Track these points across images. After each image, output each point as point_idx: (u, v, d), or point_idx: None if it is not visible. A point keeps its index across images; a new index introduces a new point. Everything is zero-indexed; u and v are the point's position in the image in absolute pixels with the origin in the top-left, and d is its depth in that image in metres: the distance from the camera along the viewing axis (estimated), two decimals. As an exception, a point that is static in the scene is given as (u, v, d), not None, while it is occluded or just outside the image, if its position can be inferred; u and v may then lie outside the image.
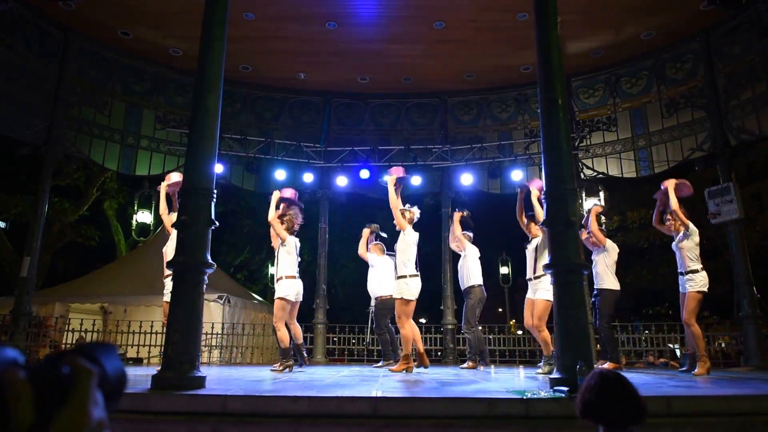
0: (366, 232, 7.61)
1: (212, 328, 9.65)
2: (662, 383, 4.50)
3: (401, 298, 6.02)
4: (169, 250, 6.28)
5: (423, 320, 19.17)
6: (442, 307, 10.23)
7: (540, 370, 6.10)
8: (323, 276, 10.45)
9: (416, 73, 10.38)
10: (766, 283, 11.24)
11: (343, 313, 17.49)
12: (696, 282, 5.89)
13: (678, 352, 10.41)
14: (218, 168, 9.10)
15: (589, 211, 6.95)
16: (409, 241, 6.18)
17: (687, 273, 5.94)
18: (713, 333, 10.43)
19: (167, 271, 6.27)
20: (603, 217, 6.99)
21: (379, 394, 3.25)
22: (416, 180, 10.39)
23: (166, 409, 3.18)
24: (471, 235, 7.52)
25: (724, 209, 8.40)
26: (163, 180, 6.80)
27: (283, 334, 6.10)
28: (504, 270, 19.72)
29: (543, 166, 4.14)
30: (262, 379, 4.98)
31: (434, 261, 10.43)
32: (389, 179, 6.45)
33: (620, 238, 16.92)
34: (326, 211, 10.86)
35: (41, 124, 8.63)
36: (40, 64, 8.74)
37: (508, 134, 10.72)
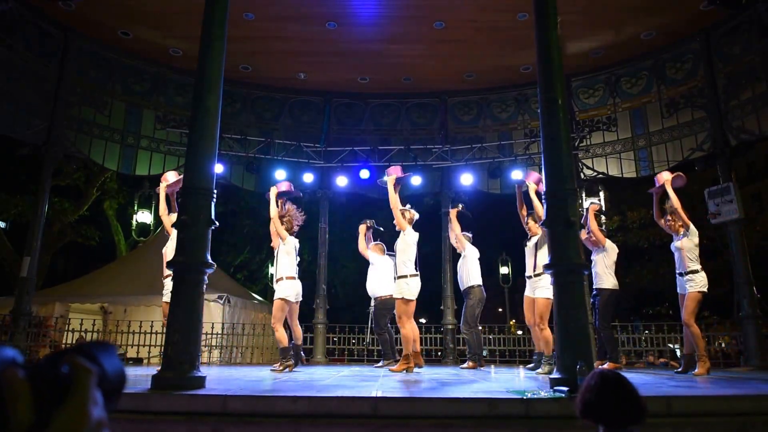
0: (362, 228, 7.60)
1: (212, 328, 9.65)
2: (662, 383, 4.50)
3: (402, 298, 6.02)
4: (169, 251, 6.28)
5: (423, 320, 19.17)
6: (442, 307, 10.23)
7: (540, 370, 6.10)
8: (323, 276, 10.45)
9: (416, 73, 10.38)
10: (766, 283, 11.24)
11: (343, 313, 17.49)
12: (696, 282, 5.89)
13: (678, 352, 10.40)
14: (218, 168, 9.09)
15: (587, 210, 6.94)
16: (409, 241, 6.18)
17: (687, 273, 5.93)
18: (713, 333, 10.43)
19: (167, 272, 6.28)
20: (603, 217, 6.97)
21: (379, 394, 3.25)
22: (416, 180, 10.39)
23: (166, 409, 3.18)
24: (470, 235, 7.51)
25: (724, 209, 8.40)
26: (161, 181, 6.80)
27: (281, 335, 6.10)
28: (504, 270, 19.71)
29: (543, 166, 4.14)
30: (262, 379, 4.98)
31: (434, 261, 10.43)
32: (389, 179, 6.45)
33: (620, 238, 16.93)
34: (326, 211, 10.86)
35: (41, 124, 8.63)
36: (40, 64, 8.74)
37: (508, 134, 10.72)
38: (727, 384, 4.59)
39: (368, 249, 7.56)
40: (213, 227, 4.08)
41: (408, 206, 6.47)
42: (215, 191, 4.17)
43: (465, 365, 7.10)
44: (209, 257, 4.01)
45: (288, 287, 6.18)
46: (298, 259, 6.59)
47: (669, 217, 6.21)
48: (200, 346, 4.09)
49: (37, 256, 8.47)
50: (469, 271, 7.19)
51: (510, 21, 8.58)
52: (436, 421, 2.99)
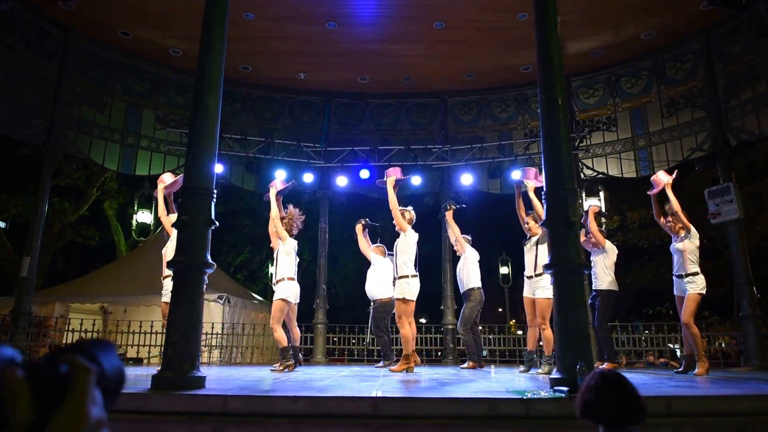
0: (359, 228, 7.60)
1: (212, 328, 9.65)
2: (662, 383, 4.50)
3: (402, 298, 6.02)
4: (169, 251, 6.29)
5: (423, 320, 19.18)
6: (442, 307, 10.24)
7: (540, 370, 6.10)
8: (323, 276, 10.45)
9: (416, 73, 10.38)
10: (766, 283, 11.24)
11: (343, 313, 17.49)
12: (697, 284, 5.89)
13: (678, 353, 10.40)
14: (218, 168, 9.09)
15: (587, 211, 6.94)
16: (410, 241, 6.18)
17: (687, 275, 5.93)
18: (713, 333, 10.42)
19: (166, 272, 6.28)
20: (603, 219, 6.96)
21: (379, 394, 3.25)
22: (416, 180, 10.39)
23: (166, 409, 3.18)
24: (470, 238, 7.50)
25: (724, 209, 8.40)
26: (158, 182, 6.80)
27: (280, 335, 6.11)
28: (504, 270, 19.72)
29: (543, 166, 4.14)
30: (262, 379, 4.98)
31: (434, 261, 10.43)
32: (388, 181, 6.44)
33: (620, 238, 16.95)
34: (326, 211, 10.86)
35: (41, 124, 8.64)
36: (40, 64, 8.74)
37: (508, 134, 10.72)
38: (727, 384, 4.59)
39: (370, 250, 7.56)
40: (213, 227, 4.08)
41: (411, 207, 6.47)
42: (215, 191, 4.18)
43: (465, 365, 7.09)
44: (209, 257, 4.01)
45: (288, 288, 6.18)
46: (298, 259, 6.59)
47: (669, 218, 6.21)
48: (200, 346, 4.09)
49: (37, 256, 8.47)
50: (470, 273, 7.18)
51: (510, 21, 8.58)
52: (436, 421, 2.99)
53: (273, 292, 6.40)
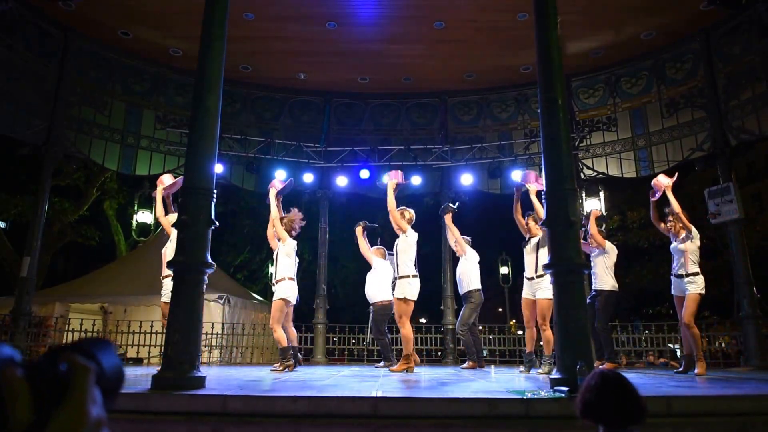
0: (359, 230, 7.61)
1: (212, 328, 9.65)
2: (662, 383, 4.50)
3: (403, 298, 6.01)
4: (169, 251, 6.29)
5: (423, 320, 19.17)
6: (442, 307, 10.24)
7: (540, 370, 6.10)
8: (323, 276, 10.45)
9: (416, 73, 10.38)
10: (766, 283, 11.24)
11: (343, 313, 17.50)
12: (698, 284, 5.90)
13: (678, 353, 10.40)
14: (218, 168, 9.10)
15: (588, 214, 6.94)
16: (410, 241, 6.18)
17: (688, 275, 5.93)
18: (713, 333, 10.42)
19: (166, 272, 6.29)
20: (604, 224, 6.96)
21: (380, 394, 3.25)
22: (416, 180, 10.39)
23: (166, 409, 3.18)
24: (469, 239, 7.50)
25: (724, 209, 8.40)
26: (157, 184, 6.81)
27: (279, 335, 6.11)
28: (504, 270, 19.72)
29: (543, 166, 4.13)
30: (262, 378, 4.98)
31: (434, 261, 10.44)
32: (390, 184, 6.42)
33: (620, 238, 16.96)
34: (326, 211, 10.86)
35: (41, 124, 8.64)
36: (40, 64, 8.74)
37: (508, 134, 10.72)
38: (727, 384, 4.59)
39: (370, 252, 7.56)
40: (213, 227, 4.08)
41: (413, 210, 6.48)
42: (215, 191, 4.17)
43: (464, 365, 7.09)
44: (209, 257, 4.01)
45: (288, 288, 6.19)
46: (298, 260, 6.59)
47: (670, 218, 6.21)
48: (200, 346, 4.09)
49: (37, 256, 8.47)
50: (470, 275, 7.18)
51: (510, 21, 8.58)
52: (436, 421, 2.99)
53: (273, 292, 6.40)
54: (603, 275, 6.64)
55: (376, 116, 11.21)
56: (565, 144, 4.03)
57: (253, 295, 13.59)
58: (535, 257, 6.26)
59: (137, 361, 9.66)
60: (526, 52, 9.04)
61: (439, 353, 10.31)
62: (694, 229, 6.04)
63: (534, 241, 6.39)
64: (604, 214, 8.07)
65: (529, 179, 6.53)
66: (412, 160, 10.36)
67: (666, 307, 19.14)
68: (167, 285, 6.06)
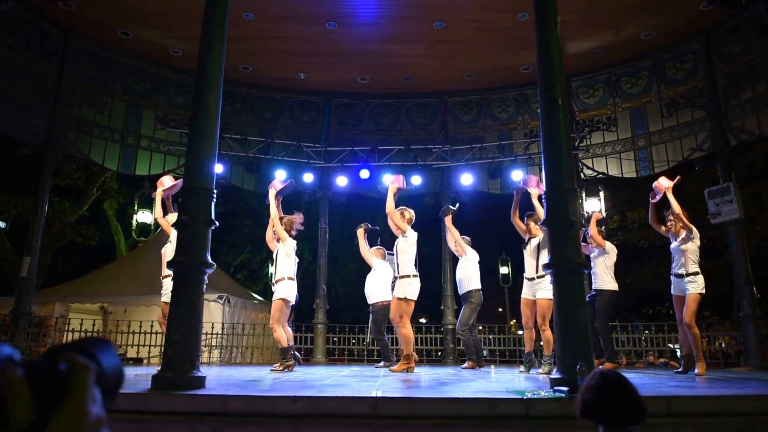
0: (360, 232, 7.62)
1: (212, 328, 9.65)
2: (662, 383, 4.50)
3: (404, 298, 6.01)
4: (169, 251, 6.30)
5: (423, 320, 19.17)
6: (442, 307, 10.24)
7: (540, 370, 6.10)
8: (323, 276, 10.45)
9: (416, 73, 10.38)
10: (766, 283, 11.24)
11: (343, 313, 17.51)
12: (698, 284, 5.90)
13: (678, 353, 10.40)
14: (218, 168, 9.10)
15: (590, 217, 6.94)
16: (410, 241, 6.18)
17: (689, 275, 5.93)
18: (713, 333, 10.41)
19: (166, 271, 6.29)
20: (604, 226, 6.96)
21: (379, 394, 3.25)
22: (416, 180, 10.40)
23: (166, 409, 3.18)
24: (469, 239, 7.50)
25: (724, 209, 8.40)
26: (157, 185, 6.82)
27: (280, 335, 6.11)
28: (504, 270, 19.73)
29: (543, 166, 4.13)
30: (262, 378, 4.98)
31: (434, 261, 10.43)
32: (391, 187, 6.41)
33: (620, 238, 16.97)
34: (326, 211, 10.86)
35: (41, 124, 8.64)
36: (40, 64, 8.74)
37: (508, 134, 10.72)
38: (727, 384, 4.59)
39: (370, 253, 7.58)
40: (213, 227, 4.08)
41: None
42: (215, 191, 4.18)
43: (464, 365, 7.09)
44: (209, 257, 4.01)
45: (288, 288, 6.19)
46: (297, 260, 6.59)
47: (670, 218, 6.22)
48: (200, 346, 4.09)
49: (37, 256, 8.47)
50: (470, 275, 7.17)
51: (510, 21, 8.58)
52: (436, 421, 2.99)
53: (273, 292, 6.40)
54: (603, 275, 6.64)
55: (376, 116, 11.21)
56: (565, 144, 4.04)
57: (253, 295, 13.60)
58: (536, 258, 6.26)
59: (137, 361, 9.66)
60: (526, 52, 9.04)
61: (439, 353, 10.30)
62: (694, 228, 6.05)
63: (534, 241, 6.40)
64: (605, 216, 8.07)
65: (530, 184, 6.53)
66: (412, 160, 10.36)
67: (666, 307, 19.14)
68: (167, 285, 6.07)
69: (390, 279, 7.33)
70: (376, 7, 8.50)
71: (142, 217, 13.67)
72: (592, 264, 6.68)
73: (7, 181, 15.83)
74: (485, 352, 11.11)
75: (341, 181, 10.53)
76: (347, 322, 11.17)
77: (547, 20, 4.29)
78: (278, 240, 6.38)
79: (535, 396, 3.16)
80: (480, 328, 10.33)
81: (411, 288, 6.02)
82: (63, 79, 8.95)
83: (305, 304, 10.79)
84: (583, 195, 10.24)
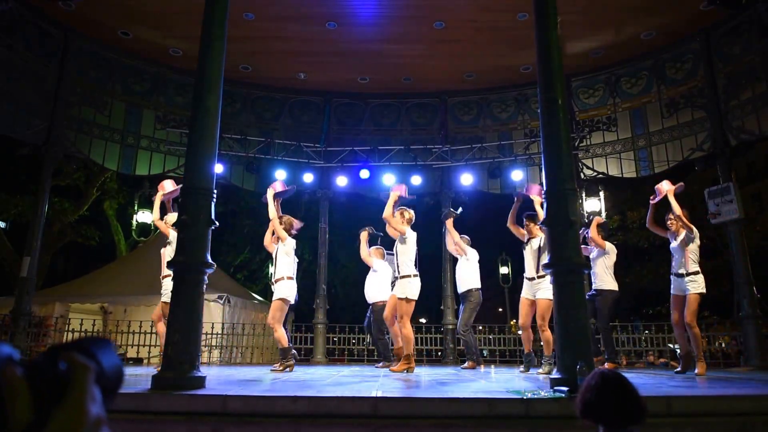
0: (364, 235, 7.62)
1: (212, 328, 9.65)
2: (662, 383, 4.50)
3: (405, 298, 6.01)
4: (169, 252, 6.30)
5: (423, 320, 19.17)
6: (442, 307, 10.24)
7: (540, 370, 6.11)
8: (323, 276, 10.45)
9: (416, 73, 10.38)
10: (766, 283, 11.24)
11: (343, 313, 17.50)
12: (698, 283, 5.91)
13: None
14: (218, 168, 9.10)
15: (590, 221, 6.94)
16: (410, 242, 6.18)
17: (689, 274, 5.94)
18: (713, 333, 10.42)
19: (165, 271, 6.29)
20: (603, 231, 6.98)
21: (380, 394, 3.25)
22: (416, 180, 10.41)
23: (166, 409, 3.18)
24: (468, 238, 7.50)
25: (724, 209, 8.40)
26: (158, 189, 6.85)
27: (280, 334, 6.10)
28: (504, 270, 19.72)
29: (543, 166, 4.14)
30: (262, 378, 4.98)
31: (434, 261, 10.43)
32: (392, 195, 6.40)
33: (620, 238, 16.97)
34: (326, 211, 10.86)
35: (41, 124, 8.64)
36: (40, 64, 8.74)
37: (508, 134, 10.72)
38: (727, 384, 4.59)
39: (370, 254, 7.58)
40: (213, 227, 4.08)
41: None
42: (215, 191, 4.18)
43: (465, 365, 7.09)
44: (209, 257, 4.01)
45: (288, 287, 6.18)
46: (297, 259, 6.58)
47: (671, 217, 6.22)
48: (200, 346, 4.09)
49: (37, 256, 8.47)
50: (469, 274, 7.17)
51: (510, 21, 8.58)
52: (436, 421, 2.99)
53: (273, 291, 6.39)
54: (603, 275, 6.65)
55: (376, 116, 11.21)
56: (565, 144, 4.04)
57: (253, 295, 13.60)
58: (536, 258, 6.26)
59: (137, 361, 9.66)
60: (526, 52, 9.04)
61: (439, 353, 10.30)
62: (694, 228, 6.06)
63: (534, 242, 6.40)
64: (606, 221, 8.07)
65: (532, 191, 6.53)
66: (412, 160, 10.36)
67: (666, 307, 19.10)
68: (167, 285, 6.07)
69: (390, 279, 7.34)
70: (376, 7, 8.50)
71: (142, 217, 13.66)
72: (591, 264, 6.69)
73: (7, 181, 15.83)
74: (485, 352, 11.13)
75: (341, 181, 10.53)
76: (347, 322, 11.17)
77: (547, 20, 4.29)
78: (278, 239, 6.37)
79: (535, 396, 3.16)
80: (480, 328, 10.34)
81: (412, 287, 6.02)
82: (63, 79, 8.95)
83: (305, 304, 10.79)
84: (583, 195, 10.24)
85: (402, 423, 2.98)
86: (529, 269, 6.37)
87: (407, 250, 6.15)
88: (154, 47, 9.60)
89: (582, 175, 10.10)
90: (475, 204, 13.21)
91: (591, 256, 6.79)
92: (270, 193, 6.51)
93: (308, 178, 10.44)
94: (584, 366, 3.25)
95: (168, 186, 6.79)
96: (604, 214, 10.59)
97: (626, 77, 10.06)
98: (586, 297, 6.60)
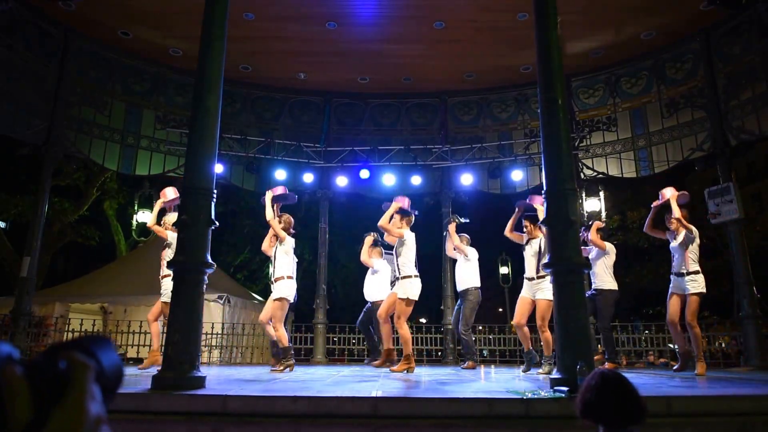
0: (369, 240, 7.63)
1: (212, 328, 9.65)
2: (662, 383, 4.50)
3: (406, 298, 6.01)
4: (168, 254, 6.31)
5: (423, 320, 19.17)
6: (442, 307, 10.23)
7: (540, 370, 6.11)
8: (323, 276, 10.44)
9: (416, 73, 10.38)
10: (766, 283, 11.24)
11: (343, 313, 17.49)
12: (698, 283, 5.92)
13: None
14: (218, 168, 9.10)
15: (590, 225, 6.95)
16: (409, 243, 6.19)
17: (689, 274, 5.95)
18: (713, 333, 10.41)
19: (165, 271, 6.30)
20: (601, 233, 6.99)
21: (379, 394, 3.25)
22: (416, 180, 10.41)
23: (166, 409, 3.18)
24: (468, 237, 7.50)
25: (724, 209, 8.40)
26: (160, 196, 6.90)
27: (281, 334, 6.10)
28: (504, 270, 19.72)
29: (543, 166, 4.14)
30: (262, 378, 4.98)
31: (434, 261, 10.43)
32: (393, 206, 6.40)
33: (620, 238, 16.97)
34: (326, 211, 10.85)
35: (41, 124, 8.63)
36: (40, 64, 8.73)
37: (508, 134, 10.72)
38: (727, 384, 4.60)
39: (369, 255, 7.59)
40: (213, 227, 4.08)
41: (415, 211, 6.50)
42: (215, 191, 4.18)
43: (465, 365, 7.09)
44: (209, 257, 4.01)
45: (288, 286, 6.18)
46: (296, 259, 6.58)
47: (672, 218, 6.23)
48: (200, 346, 4.09)
49: (37, 256, 8.47)
50: (469, 273, 7.17)
51: (510, 21, 8.58)
52: (436, 421, 2.99)
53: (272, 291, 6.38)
54: (603, 275, 6.66)
55: (376, 116, 11.21)
56: (565, 144, 4.04)
57: (253, 295, 13.60)
58: (537, 258, 6.28)
59: (137, 361, 9.63)
60: (526, 52, 9.04)
61: (439, 353, 10.30)
62: (694, 228, 6.07)
63: (534, 242, 6.41)
64: (604, 224, 8.08)
65: (535, 201, 6.55)
66: (412, 160, 10.36)
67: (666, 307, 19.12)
68: (166, 285, 6.08)
69: (389, 277, 7.35)
70: (376, 7, 8.50)
71: (142, 217, 13.66)
72: (591, 264, 6.69)
73: (7, 181, 15.83)
74: (485, 352, 11.13)
75: (341, 181, 10.53)
76: (347, 322, 11.17)
77: (547, 20, 4.29)
78: (277, 239, 6.37)
79: (535, 396, 3.16)
80: (480, 328, 10.34)
81: (413, 288, 6.02)
82: (63, 79, 8.95)
83: (305, 304, 10.80)
84: (583, 195, 10.24)
85: (402, 423, 2.98)
86: (529, 269, 6.39)
87: (407, 252, 6.15)
88: (154, 47, 9.60)
89: (582, 175, 10.10)
90: (475, 204, 13.24)
91: (590, 257, 6.80)
92: (269, 196, 6.50)
93: (308, 178, 10.44)
94: (584, 366, 3.25)
95: (170, 194, 6.80)
96: (604, 214, 10.61)
97: (626, 77, 10.06)
98: (587, 295, 6.64)
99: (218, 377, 4.91)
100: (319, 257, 10.63)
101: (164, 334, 4.37)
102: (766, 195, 24.66)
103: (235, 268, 18.90)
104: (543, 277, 6.07)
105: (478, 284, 7.17)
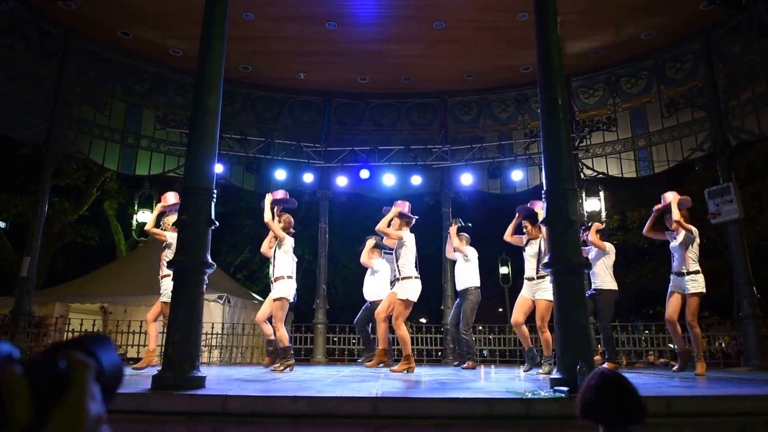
0: (371, 242, 7.63)
1: (212, 328, 9.64)
2: (662, 383, 4.50)
3: (406, 299, 6.01)
4: (168, 254, 6.31)
5: (423, 320, 19.17)
6: (442, 307, 10.23)
7: (540, 370, 6.11)
8: (323, 276, 10.44)
9: (416, 73, 10.38)
10: (766, 283, 11.24)
11: (343, 313, 17.48)
12: (698, 283, 5.91)
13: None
14: (218, 168, 9.10)
15: (590, 227, 6.95)
16: (409, 245, 6.19)
17: (689, 273, 5.95)
18: (713, 333, 10.41)
19: (165, 271, 6.29)
20: (601, 234, 6.99)
21: (379, 394, 3.25)
22: (416, 180, 10.41)
23: (166, 409, 3.18)
24: (468, 237, 7.50)
25: (724, 209, 8.40)
26: (161, 200, 6.91)
27: (282, 334, 6.09)
28: (504, 270, 19.72)
29: (543, 166, 4.14)
30: (262, 378, 4.98)
31: (434, 261, 10.43)
32: (393, 210, 6.39)
33: (620, 238, 16.97)
34: (326, 211, 10.86)
35: (41, 124, 8.63)
36: (40, 64, 8.73)
37: (508, 134, 10.72)
38: (727, 384, 4.60)
39: (370, 259, 7.60)
40: (213, 227, 4.08)
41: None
42: (215, 191, 4.18)
43: (465, 365, 7.09)
44: (209, 257, 4.01)
45: (288, 286, 6.17)
46: (296, 258, 6.58)
47: (672, 220, 6.23)
48: (200, 346, 4.09)
49: (37, 256, 8.47)
50: (469, 272, 7.17)
51: (510, 21, 8.58)
52: (436, 421, 2.99)
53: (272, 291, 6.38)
54: (603, 275, 6.66)
55: (376, 116, 11.21)
56: (565, 144, 4.04)
57: (253, 295, 13.59)
58: (536, 259, 6.28)
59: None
60: (526, 52, 9.04)
61: (439, 353, 10.30)
62: (694, 228, 6.07)
63: (534, 243, 6.42)
64: (603, 225, 8.09)
65: (537, 206, 6.55)
66: (412, 160, 10.36)
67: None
68: (166, 285, 6.07)
69: (389, 278, 7.36)
70: (376, 7, 8.50)
71: (142, 217, 13.67)
72: (591, 264, 6.68)
73: (7, 181, 15.83)
74: (485, 352, 11.13)
75: (341, 181, 10.54)
76: (347, 322, 11.15)
77: (547, 20, 4.29)
78: (276, 238, 6.36)
79: (535, 396, 3.16)
80: (480, 328, 10.34)
81: (413, 289, 6.03)
82: (63, 79, 8.94)
83: (305, 304, 10.80)
84: (583, 195, 10.24)
85: (402, 423, 2.99)
86: (529, 270, 6.39)
87: (407, 253, 6.15)
88: (154, 47, 9.60)
89: (582, 175, 10.11)
90: (475, 204, 13.22)
91: (590, 257, 6.79)
92: (268, 199, 6.49)
93: (308, 178, 10.44)
94: (584, 366, 3.25)
95: (171, 198, 6.80)
96: (603, 214, 10.61)
97: (626, 77, 10.06)
98: (587, 294, 6.64)
99: (218, 377, 4.91)
100: (319, 257, 10.63)
101: (164, 335, 4.37)
102: (766, 195, 24.66)
103: (235, 268, 18.90)
104: (543, 277, 6.07)
105: (478, 284, 7.17)
